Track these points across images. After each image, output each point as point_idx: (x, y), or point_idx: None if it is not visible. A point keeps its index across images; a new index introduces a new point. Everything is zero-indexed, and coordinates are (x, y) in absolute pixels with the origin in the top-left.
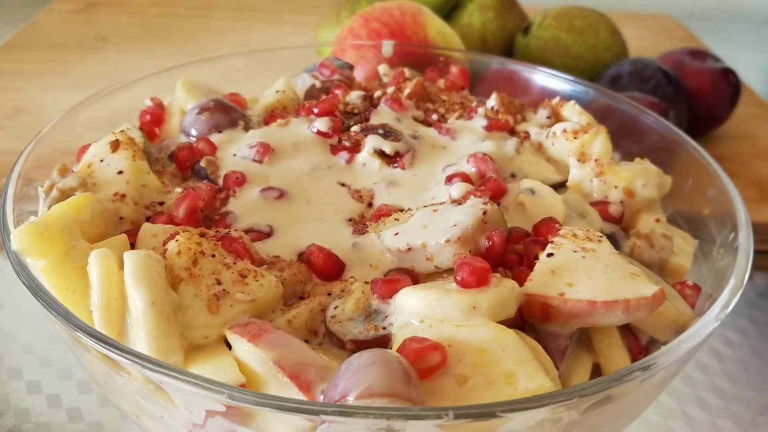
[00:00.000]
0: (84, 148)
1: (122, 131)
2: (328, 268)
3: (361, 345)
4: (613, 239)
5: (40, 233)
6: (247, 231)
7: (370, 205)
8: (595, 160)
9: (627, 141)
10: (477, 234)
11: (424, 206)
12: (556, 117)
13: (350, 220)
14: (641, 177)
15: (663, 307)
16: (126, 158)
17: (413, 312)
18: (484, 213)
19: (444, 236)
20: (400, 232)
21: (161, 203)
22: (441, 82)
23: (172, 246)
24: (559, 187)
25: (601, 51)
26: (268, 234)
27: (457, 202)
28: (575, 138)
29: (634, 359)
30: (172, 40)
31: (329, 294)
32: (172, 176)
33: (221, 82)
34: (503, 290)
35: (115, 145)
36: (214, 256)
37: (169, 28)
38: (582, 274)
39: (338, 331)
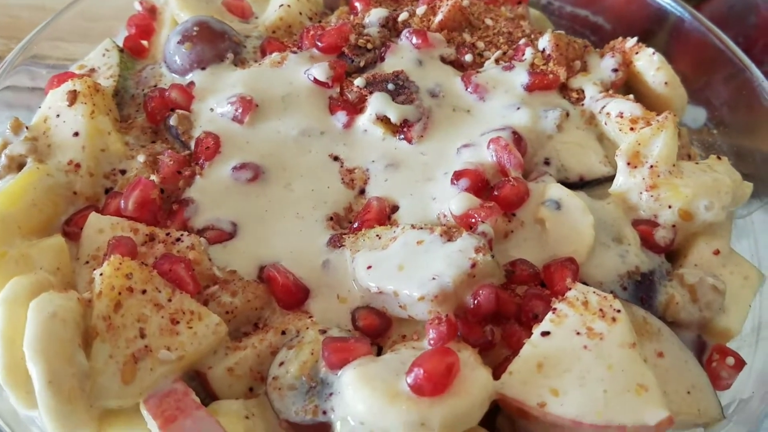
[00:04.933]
0: (53, 79)
1: (83, 77)
2: (290, 295)
3: (296, 429)
4: (648, 281)
5: None
6: (206, 229)
7: (362, 191)
8: (650, 166)
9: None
10: (461, 289)
11: (412, 226)
12: (626, 67)
13: (331, 218)
14: (706, 195)
15: (679, 407)
16: (83, 115)
17: (355, 411)
18: (473, 265)
19: (419, 291)
20: (373, 265)
21: (123, 171)
22: None
23: (96, 282)
24: (606, 182)
25: None
26: (230, 234)
27: (449, 235)
28: (632, 129)
29: None
30: None
31: (283, 332)
32: (142, 131)
33: None
34: (464, 401)
35: (73, 97)
36: (144, 292)
37: None
38: (574, 377)
39: (275, 400)
